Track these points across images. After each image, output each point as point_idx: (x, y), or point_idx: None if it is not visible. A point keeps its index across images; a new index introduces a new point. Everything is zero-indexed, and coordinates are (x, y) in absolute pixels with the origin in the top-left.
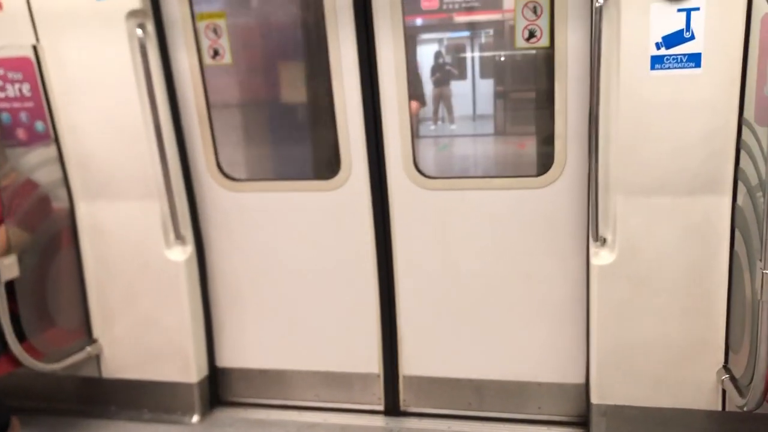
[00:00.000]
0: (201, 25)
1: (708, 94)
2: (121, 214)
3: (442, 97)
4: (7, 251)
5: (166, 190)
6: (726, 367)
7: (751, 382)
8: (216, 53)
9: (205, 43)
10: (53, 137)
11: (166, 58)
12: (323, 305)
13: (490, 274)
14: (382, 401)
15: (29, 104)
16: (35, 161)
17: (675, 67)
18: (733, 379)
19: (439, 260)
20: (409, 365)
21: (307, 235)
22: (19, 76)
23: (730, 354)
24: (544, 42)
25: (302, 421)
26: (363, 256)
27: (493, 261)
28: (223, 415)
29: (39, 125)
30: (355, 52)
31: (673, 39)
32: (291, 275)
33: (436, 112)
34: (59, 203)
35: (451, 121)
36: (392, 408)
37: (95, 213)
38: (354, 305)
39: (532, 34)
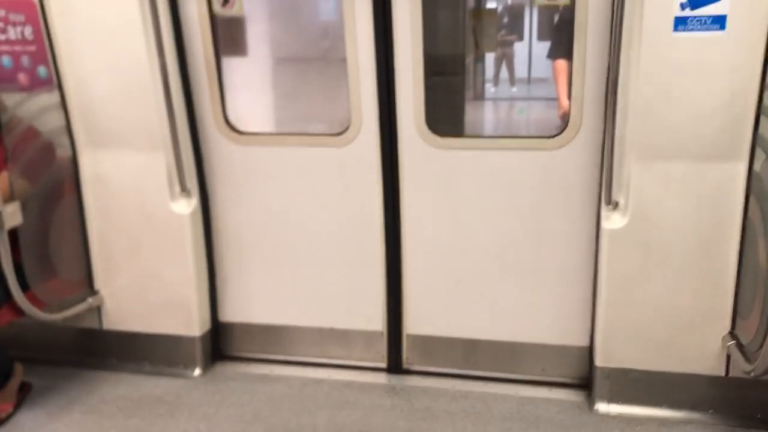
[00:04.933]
0: None
1: (731, 57)
2: (126, 164)
3: (506, 58)
4: (10, 199)
5: (172, 141)
6: (732, 333)
7: (761, 348)
8: (226, 2)
9: None
10: (56, 83)
11: (175, 7)
12: (328, 262)
13: (498, 235)
14: (385, 359)
15: (31, 48)
16: (37, 107)
17: (699, 29)
18: (740, 345)
19: (447, 220)
20: (414, 324)
21: (314, 191)
22: (21, 18)
23: (738, 320)
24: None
25: (305, 377)
26: (370, 213)
27: (502, 222)
28: (226, 369)
29: (42, 70)
30: (370, 7)
31: (698, 0)
32: (296, 231)
33: (497, 74)
34: (62, 151)
35: (513, 83)
36: (395, 366)
37: (99, 163)
38: (359, 263)
39: None
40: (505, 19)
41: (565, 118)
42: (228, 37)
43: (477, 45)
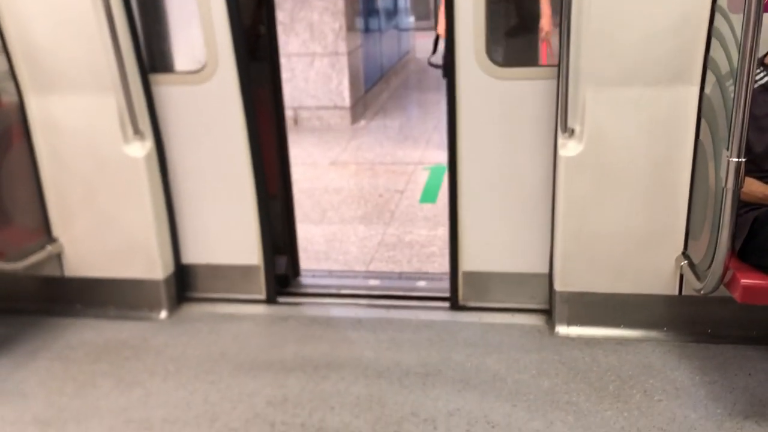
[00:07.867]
0: None
1: None
2: (75, 108)
3: None
4: None
5: (121, 82)
6: (685, 254)
7: (710, 267)
8: None
9: None
10: None
11: None
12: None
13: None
14: (264, 292)
15: None
16: None
17: None
18: (691, 264)
19: None
20: None
21: None
22: None
23: (690, 241)
24: None
25: (272, 314)
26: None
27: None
28: (192, 310)
29: None
30: None
31: None
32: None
33: None
34: (7, 96)
35: None
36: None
37: (47, 107)
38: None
39: None
40: None
41: None
42: None
43: None
